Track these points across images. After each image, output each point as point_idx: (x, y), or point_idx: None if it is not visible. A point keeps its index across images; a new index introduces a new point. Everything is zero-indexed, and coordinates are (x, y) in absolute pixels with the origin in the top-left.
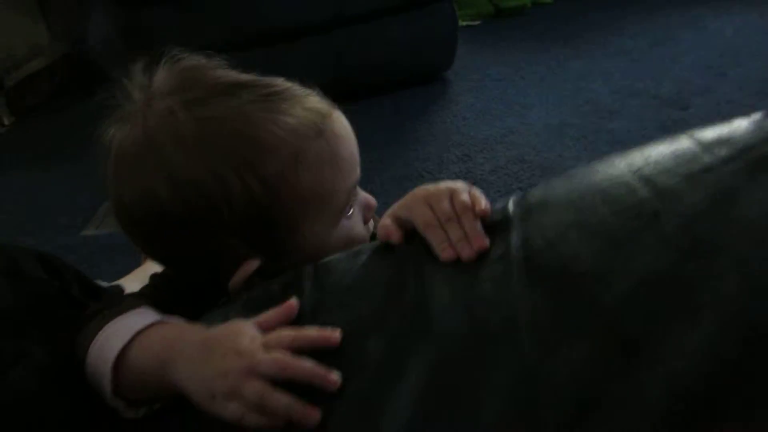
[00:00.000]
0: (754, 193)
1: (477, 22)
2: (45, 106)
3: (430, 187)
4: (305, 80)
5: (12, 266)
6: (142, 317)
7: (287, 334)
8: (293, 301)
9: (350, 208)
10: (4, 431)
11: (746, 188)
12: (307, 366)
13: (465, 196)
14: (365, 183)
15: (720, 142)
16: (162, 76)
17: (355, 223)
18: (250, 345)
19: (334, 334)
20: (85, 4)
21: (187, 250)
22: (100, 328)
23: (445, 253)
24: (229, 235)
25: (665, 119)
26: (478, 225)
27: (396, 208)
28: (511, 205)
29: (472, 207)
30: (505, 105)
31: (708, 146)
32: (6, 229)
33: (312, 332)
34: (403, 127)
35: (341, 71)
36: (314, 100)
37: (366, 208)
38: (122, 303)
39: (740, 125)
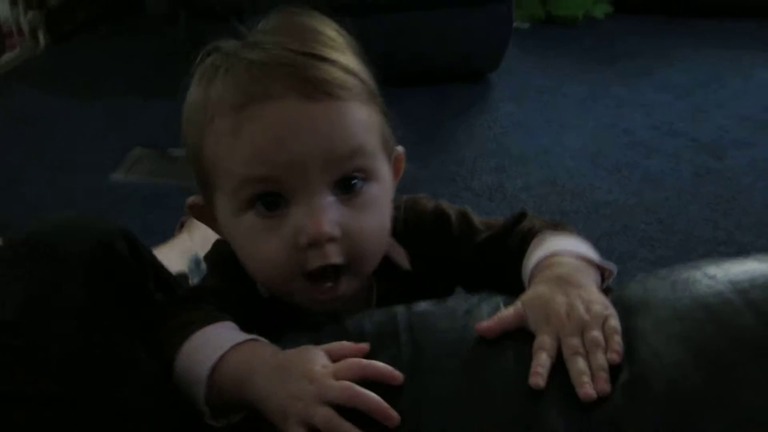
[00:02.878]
0: None
1: (526, 25)
2: (82, 33)
3: (575, 303)
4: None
5: (108, 247)
6: (233, 332)
7: (356, 362)
8: (366, 345)
9: (251, 206)
10: None
11: None
12: (373, 398)
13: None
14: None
15: None
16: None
17: (266, 231)
18: (321, 371)
19: (397, 373)
20: None
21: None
22: (192, 333)
23: (582, 389)
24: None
25: (700, 166)
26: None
27: (529, 305)
28: None
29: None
30: (544, 121)
31: None
32: (32, 163)
33: (380, 364)
34: (441, 124)
35: (386, 55)
36: (293, 79)
37: (299, 233)
38: (208, 311)
39: None
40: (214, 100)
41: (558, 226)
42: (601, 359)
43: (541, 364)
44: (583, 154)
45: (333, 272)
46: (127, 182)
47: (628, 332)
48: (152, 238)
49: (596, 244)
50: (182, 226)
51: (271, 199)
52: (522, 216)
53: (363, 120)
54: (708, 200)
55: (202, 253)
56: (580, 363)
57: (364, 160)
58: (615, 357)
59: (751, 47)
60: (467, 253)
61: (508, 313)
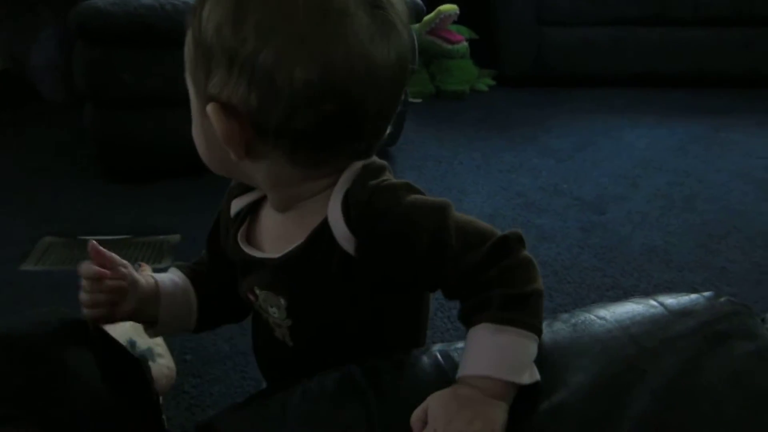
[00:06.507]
0: (713, 363)
1: (419, 100)
2: None
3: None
4: None
5: (83, 340)
6: None
7: None
8: None
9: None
10: None
11: (707, 357)
12: None
13: None
14: None
15: (685, 313)
16: None
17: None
18: None
19: None
20: (33, 26)
21: None
22: None
23: None
24: None
25: (585, 222)
26: None
27: (429, 406)
28: None
29: None
30: (444, 187)
31: (677, 315)
32: None
33: None
34: None
35: None
36: None
37: None
38: None
39: (698, 301)
40: None
41: (516, 308)
42: None
43: None
44: (482, 216)
45: None
46: (38, 271)
47: (543, 366)
48: None
49: None
50: None
51: None
52: (504, 250)
53: None
54: (595, 251)
55: (136, 336)
56: None
57: None
58: None
59: (617, 113)
60: (426, 272)
61: (417, 412)
